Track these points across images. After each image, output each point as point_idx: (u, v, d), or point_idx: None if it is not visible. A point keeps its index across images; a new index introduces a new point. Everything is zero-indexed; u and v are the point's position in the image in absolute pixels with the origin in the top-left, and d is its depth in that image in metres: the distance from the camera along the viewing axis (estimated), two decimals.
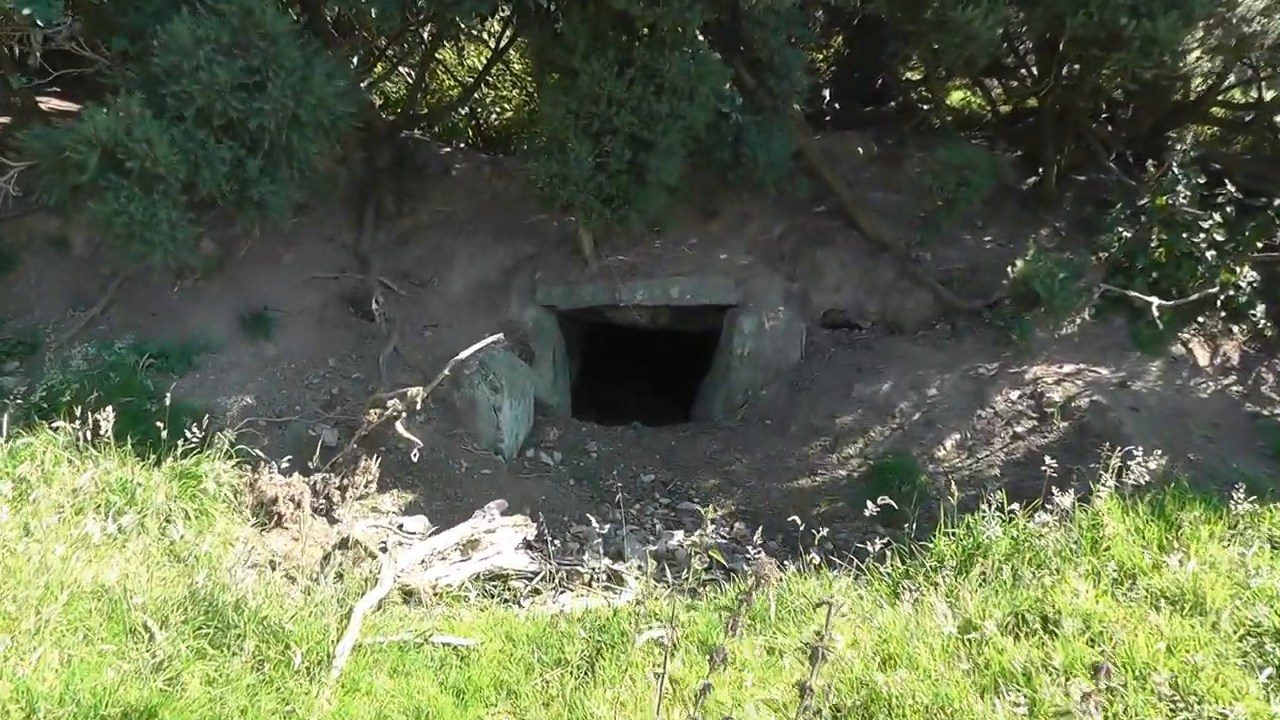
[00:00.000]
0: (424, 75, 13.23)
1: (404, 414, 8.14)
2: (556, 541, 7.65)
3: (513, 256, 11.61)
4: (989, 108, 14.57)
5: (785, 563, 6.72)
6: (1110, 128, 13.43)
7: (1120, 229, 10.01)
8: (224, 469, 7.29)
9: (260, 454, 7.99)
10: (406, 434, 8.07)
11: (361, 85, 11.56)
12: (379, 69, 13.34)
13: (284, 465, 7.57)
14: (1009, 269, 9.58)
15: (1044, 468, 6.47)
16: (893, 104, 15.63)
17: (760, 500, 9.18)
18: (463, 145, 15.25)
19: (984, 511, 6.49)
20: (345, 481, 8.08)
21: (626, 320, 11.37)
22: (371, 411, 8.13)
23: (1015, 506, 6.41)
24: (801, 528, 6.13)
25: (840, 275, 11.51)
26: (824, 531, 6.17)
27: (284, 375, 9.51)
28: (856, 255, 11.53)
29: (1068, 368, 9.88)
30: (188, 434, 6.86)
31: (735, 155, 9.78)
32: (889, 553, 6.18)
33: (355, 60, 12.10)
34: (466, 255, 11.53)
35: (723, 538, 8.51)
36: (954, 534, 6.34)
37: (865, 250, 11.56)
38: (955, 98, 16.38)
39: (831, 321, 11.64)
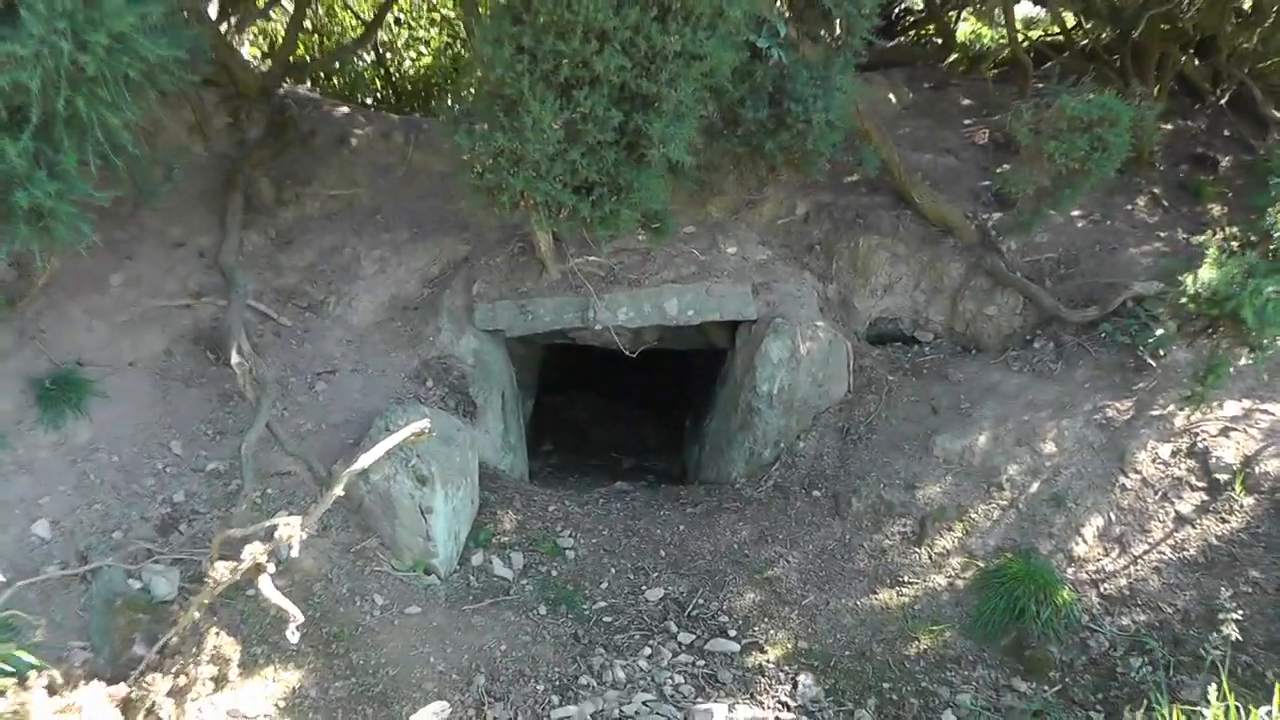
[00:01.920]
0: (306, 6, 9.75)
1: (269, 562, 4.96)
2: None
3: (440, 260, 8.36)
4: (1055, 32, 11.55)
5: None
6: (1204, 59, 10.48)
7: None
8: None
9: (41, 632, 4.94)
10: (276, 598, 4.91)
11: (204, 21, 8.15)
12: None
13: (79, 661, 4.54)
14: (1132, 271, 6.58)
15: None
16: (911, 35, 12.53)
17: (827, 630, 6.19)
18: (370, 103, 11.82)
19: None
20: (182, 678, 4.92)
21: (600, 341, 8.20)
22: (217, 566, 4.92)
23: None
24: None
25: (890, 271, 8.45)
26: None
27: (100, 476, 6.23)
28: (912, 243, 8.46)
29: (1231, 407, 6.96)
30: None
31: (776, 114, 6.58)
32: None
33: None
34: (375, 261, 8.26)
35: (785, 708, 5.54)
36: None
37: (922, 236, 8.51)
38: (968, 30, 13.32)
39: (881, 334, 8.60)
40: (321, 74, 11.27)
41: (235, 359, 6.47)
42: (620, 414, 11.94)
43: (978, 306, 8.19)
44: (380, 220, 8.59)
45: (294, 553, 4.97)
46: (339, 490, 5.06)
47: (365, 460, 5.10)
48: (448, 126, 5.81)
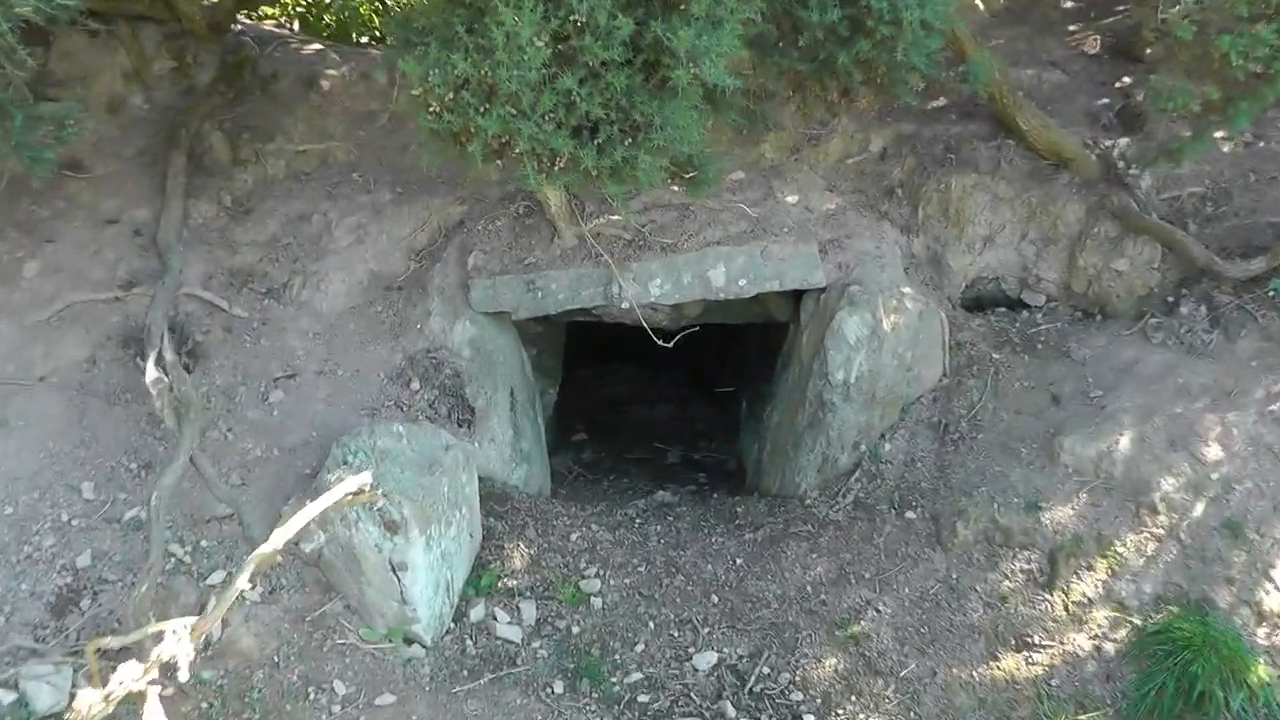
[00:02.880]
0: None
1: (155, 682, 3.52)
2: None
3: (430, 225, 6.80)
4: None
5: None
6: None
7: None
8: None
9: None
10: None
11: None
12: None
13: None
14: None
15: None
16: None
17: (936, 713, 4.66)
18: (368, 42, 10.20)
19: None
20: None
21: (631, 319, 6.58)
22: (90, 688, 3.48)
23: None
24: None
25: (991, 219, 6.72)
26: None
27: None
28: (1016, 182, 6.71)
29: None
30: None
31: (851, 15, 4.86)
32: None
33: None
34: (351, 230, 6.72)
35: None
36: None
37: (1029, 172, 6.74)
38: None
39: (981, 298, 6.91)
40: (301, 9, 9.66)
41: (151, 374, 5.00)
42: (664, 390, 10.37)
43: (1103, 260, 6.44)
44: (358, 179, 7.03)
45: (184, 672, 3.49)
46: (243, 583, 3.57)
47: (276, 540, 3.60)
48: (392, 51, 4.19)
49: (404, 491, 4.80)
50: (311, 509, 3.80)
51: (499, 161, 4.67)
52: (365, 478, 4.14)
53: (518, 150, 4.42)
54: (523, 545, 5.75)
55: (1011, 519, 5.27)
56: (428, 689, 4.71)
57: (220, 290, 6.28)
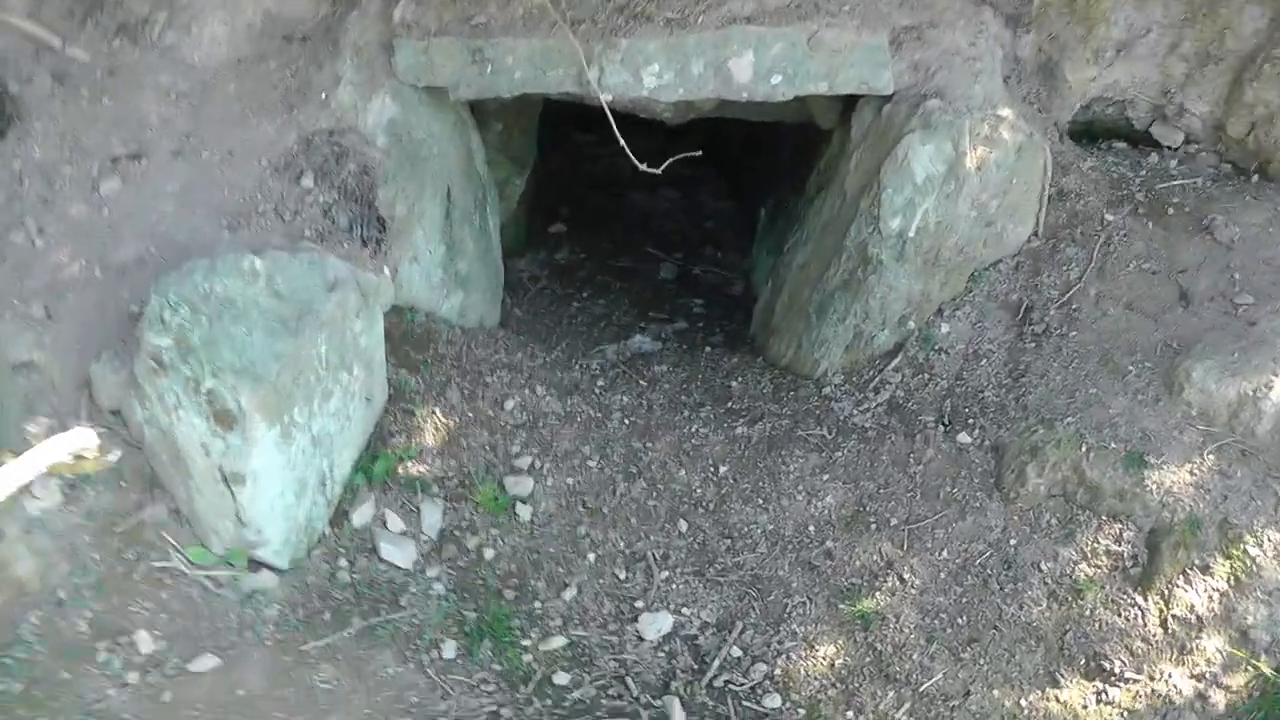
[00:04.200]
0: None
1: None
2: None
3: None
4: None
5: None
6: None
7: None
8: None
9: None
10: None
11: None
12: None
13: None
14: None
15: None
16: None
17: None
18: None
19: None
20: None
21: (620, 107, 4.81)
22: None
23: None
24: None
25: (1134, 17, 4.81)
26: None
27: None
28: None
29: None
30: None
31: None
32: None
33: None
34: None
35: None
36: None
37: None
38: None
39: (1092, 126, 5.13)
40: None
41: None
42: (673, 171, 8.55)
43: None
44: None
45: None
46: None
47: None
48: None
49: (246, 368, 3.30)
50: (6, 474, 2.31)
51: None
52: (85, 437, 2.63)
53: None
54: (439, 414, 4.31)
55: (1104, 472, 3.77)
56: (269, 643, 3.40)
57: (54, 20, 4.50)
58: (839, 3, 4.44)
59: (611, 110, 4.75)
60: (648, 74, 4.28)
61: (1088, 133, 5.13)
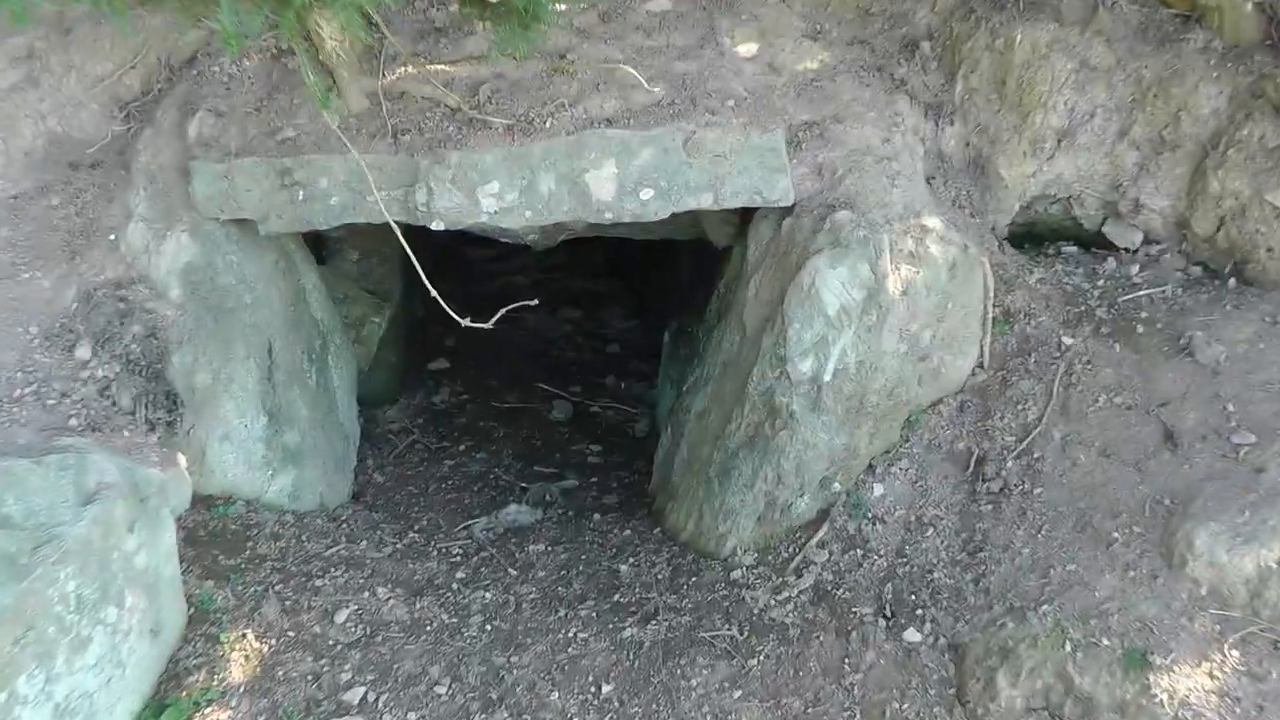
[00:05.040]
0: None
1: None
2: None
3: (146, 63, 4.12)
4: None
5: None
6: None
7: None
8: None
9: None
10: None
11: None
12: None
13: None
14: None
15: None
16: None
17: None
18: None
19: None
20: None
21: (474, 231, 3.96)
22: None
23: None
24: None
25: (1076, 100, 4.07)
26: None
27: None
28: (1121, 43, 4.05)
29: None
30: None
31: None
32: None
33: None
34: (15, 62, 4.05)
35: None
36: None
37: (1141, 27, 4.08)
38: None
39: (1034, 228, 4.39)
40: None
41: None
42: (575, 283, 7.74)
43: (1253, 185, 3.86)
44: None
45: None
46: None
47: None
48: None
49: None
50: None
51: None
52: None
53: None
54: (251, 637, 3.33)
55: (1097, 678, 2.87)
56: None
57: None
58: (722, 96, 3.66)
59: (472, 233, 3.93)
60: (485, 194, 3.43)
61: (1029, 235, 4.38)
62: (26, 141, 3.98)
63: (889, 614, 3.29)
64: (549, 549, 4.09)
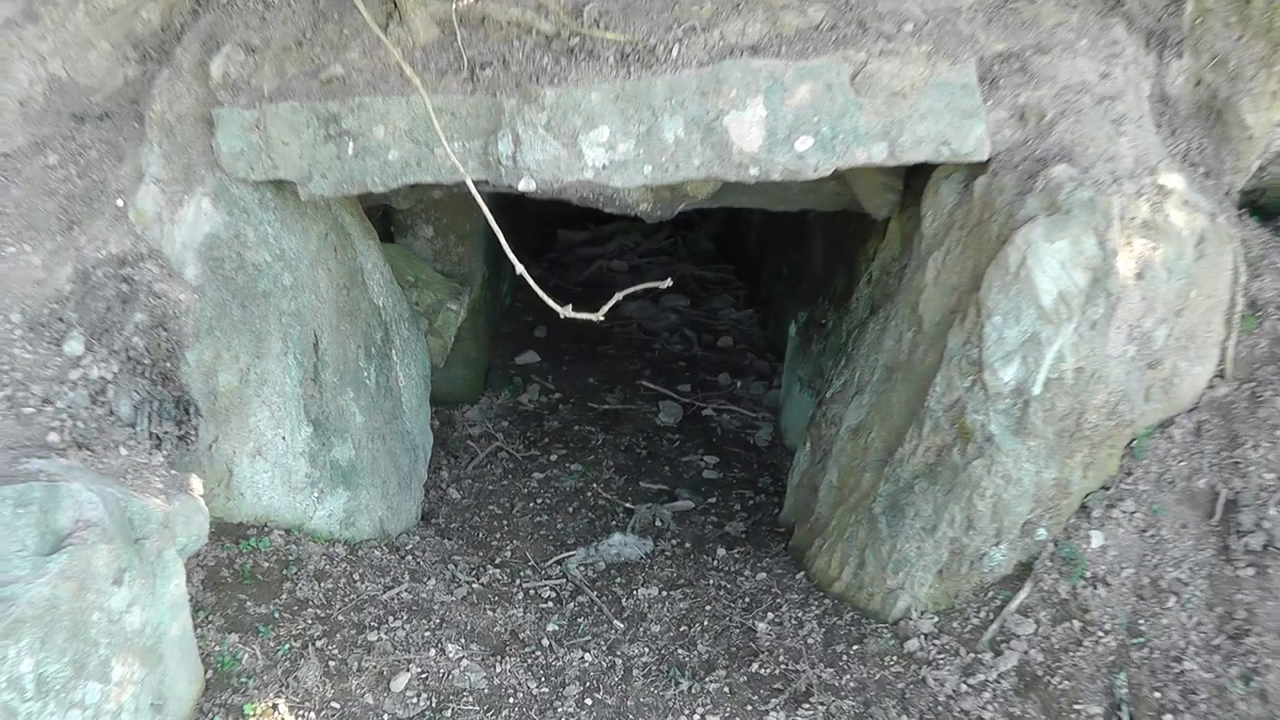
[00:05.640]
0: None
1: None
2: None
3: None
4: None
5: None
6: None
7: None
8: None
9: None
10: None
11: None
12: None
13: None
14: None
15: None
16: None
17: None
18: None
19: None
20: None
21: (574, 198, 3.12)
22: None
23: None
24: None
25: None
26: None
27: None
28: None
29: None
30: None
31: None
32: None
33: None
34: None
35: None
36: None
37: None
38: None
39: (1269, 198, 3.42)
40: None
41: None
42: (679, 270, 6.88)
43: None
44: None
45: None
46: None
47: None
48: None
49: None
50: None
51: None
52: None
53: None
54: (285, 709, 2.61)
55: None
56: None
57: None
58: (895, 19, 2.79)
59: (569, 205, 3.14)
60: (591, 144, 2.61)
61: (1254, 206, 3.45)
62: (22, 88, 3.25)
63: (1128, 718, 2.44)
64: (663, 594, 3.29)
